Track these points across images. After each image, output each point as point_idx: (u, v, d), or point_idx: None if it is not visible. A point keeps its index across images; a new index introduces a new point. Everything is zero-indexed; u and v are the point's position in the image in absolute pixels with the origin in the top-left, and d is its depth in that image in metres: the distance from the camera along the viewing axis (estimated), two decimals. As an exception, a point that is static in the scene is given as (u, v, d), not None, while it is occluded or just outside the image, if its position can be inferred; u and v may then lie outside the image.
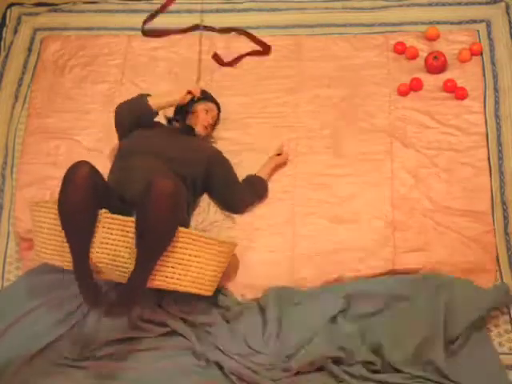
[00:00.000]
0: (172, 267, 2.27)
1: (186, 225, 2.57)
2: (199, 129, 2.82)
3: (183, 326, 2.51)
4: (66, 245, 2.23)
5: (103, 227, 2.25)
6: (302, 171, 2.90)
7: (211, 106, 2.89)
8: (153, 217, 2.13)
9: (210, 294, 2.40)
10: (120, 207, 2.33)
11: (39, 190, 2.92)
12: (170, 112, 2.90)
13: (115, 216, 2.25)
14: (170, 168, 2.53)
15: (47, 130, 3.06)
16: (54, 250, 2.34)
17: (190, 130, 2.80)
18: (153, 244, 2.17)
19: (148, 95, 2.70)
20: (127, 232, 2.23)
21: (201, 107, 2.85)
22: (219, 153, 2.82)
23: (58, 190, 2.25)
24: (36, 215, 2.43)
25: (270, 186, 2.87)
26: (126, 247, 2.23)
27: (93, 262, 2.25)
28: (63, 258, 2.30)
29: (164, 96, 2.73)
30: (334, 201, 2.83)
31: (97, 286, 2.25)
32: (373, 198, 2.82)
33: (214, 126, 2.95)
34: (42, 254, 2.39)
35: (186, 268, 2.29)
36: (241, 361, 2.41)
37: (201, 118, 2.83)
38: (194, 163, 2.65)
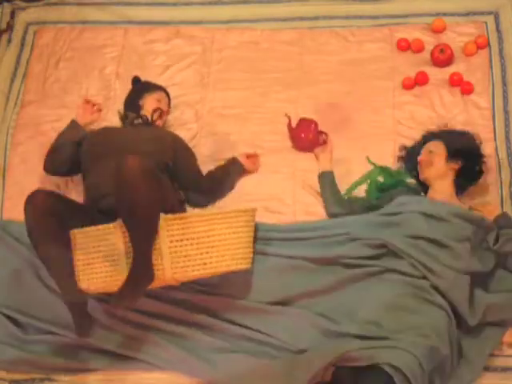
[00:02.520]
0: (206, 253, 2.25)
1: (182, 206, 2.60)
2: (156, 119, 2.77)
3: None
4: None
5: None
6: (301, 168, 2.84)
7: (161, 94, 2.85)
8: (129, 194, 2.13)
9: (249, 266, 2.38)
10: (101, 219, 2.34)
11: (32, 185, 2.82)
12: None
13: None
14: None
15: (40, 124, 3.03)
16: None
17: (148, 121, 2.75)
18: (139, 224, 2.16)
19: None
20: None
21: (152, 98, 2.80)
22: (182, 139, 2.79)
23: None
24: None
25: (269, 184, 2.82)
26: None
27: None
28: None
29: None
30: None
31: (89, 315, 2.32)
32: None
33: (167, 113, 2.91)
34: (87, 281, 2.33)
35: (220, 249, 2.27)
36: None
37: (155, 107, 2.78)
38: (162, 153, 2.61)
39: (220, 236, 2.27)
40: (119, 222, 2.23)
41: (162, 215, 2.21)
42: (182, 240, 2.23)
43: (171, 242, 2.22)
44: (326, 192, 2.70)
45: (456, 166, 2.55)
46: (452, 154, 2.55)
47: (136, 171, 2.13)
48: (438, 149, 2.58)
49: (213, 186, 2.74)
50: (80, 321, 2.28)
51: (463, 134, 2.67)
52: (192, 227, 2.24)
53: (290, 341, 2.37)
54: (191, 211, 2.73)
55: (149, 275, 2.19)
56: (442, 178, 2.55)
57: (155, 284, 2.25)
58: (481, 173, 2.62)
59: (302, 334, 2.37)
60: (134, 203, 2.13)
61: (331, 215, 2.67)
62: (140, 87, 2.86)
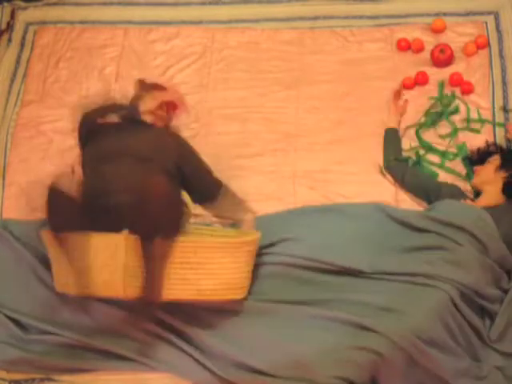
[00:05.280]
0: (204, 279, 2.22)
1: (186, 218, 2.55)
2: (157, 121, 2.70)
3: None
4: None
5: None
6: (301, 169, 2.84)
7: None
8: (153, 219, 2.13)
9: (244, 295, 2.34)
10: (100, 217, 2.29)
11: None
12: None
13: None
14: (144, 168, 2.45)
15: (40, 124, 3.03)
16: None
17: (146, 124, 2.66)
18: (161, 247, 2.16)
19: None
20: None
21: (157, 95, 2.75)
22: (187, 144, 2.71)
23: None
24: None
25: (270, 184, 2.81)
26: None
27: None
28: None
29: None
30: (336, 199, 2.76)
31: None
32: (376, 196, 2.75)
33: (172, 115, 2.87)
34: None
35: (218, 277, 2.23)
36: None
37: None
38: (164, 159, 2.54)
39: (220, 264, 2.23)
40: (126, 233, 2.18)
41: None
42: (181, 263, 2.19)
43: (170, 263, 2.19)
44: (387, 145, 2.81)
45: (505, 175, 2.58)
46: (504, 164, 2.60)
47: (164, 197, 2.15)
48: (493, 159, 2.65)
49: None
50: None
51: None
52: (193, 252, 2.21)
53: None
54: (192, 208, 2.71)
55: (160, 293, 2.20)
56: (488, 184, 2.61)
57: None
58: None
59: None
60: (158, 227, 2.14)
61: (387, 168, 2.78)
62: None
